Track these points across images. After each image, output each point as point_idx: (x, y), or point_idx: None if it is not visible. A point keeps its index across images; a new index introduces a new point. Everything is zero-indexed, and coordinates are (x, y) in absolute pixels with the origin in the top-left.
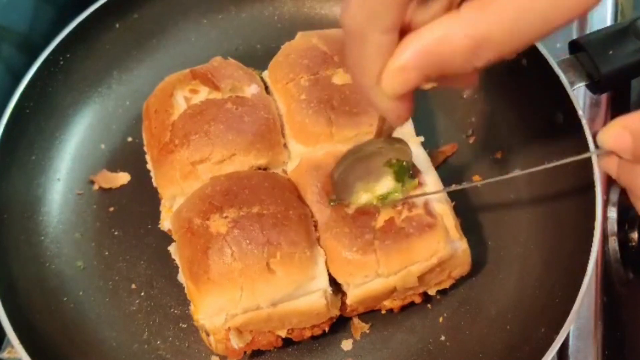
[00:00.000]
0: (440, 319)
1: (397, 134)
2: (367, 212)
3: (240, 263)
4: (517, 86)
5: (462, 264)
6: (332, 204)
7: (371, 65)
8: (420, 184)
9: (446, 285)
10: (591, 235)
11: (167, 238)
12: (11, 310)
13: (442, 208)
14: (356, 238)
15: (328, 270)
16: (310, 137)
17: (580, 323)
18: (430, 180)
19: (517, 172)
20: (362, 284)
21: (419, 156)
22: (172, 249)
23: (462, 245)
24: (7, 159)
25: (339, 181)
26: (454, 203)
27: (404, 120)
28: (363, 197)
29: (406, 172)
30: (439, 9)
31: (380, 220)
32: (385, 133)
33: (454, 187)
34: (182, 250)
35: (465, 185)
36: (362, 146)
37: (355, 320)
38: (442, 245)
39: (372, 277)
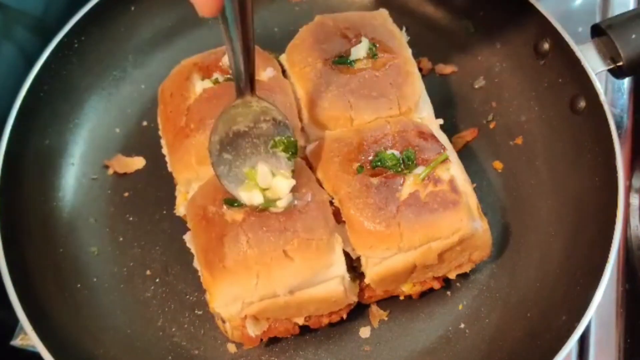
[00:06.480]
0: (460, 307)
1: (416, 118)
2: (392, 183)
3: (256, 250)
4: (539, 71)
5: (483, 246)
6: (359, 172)
7: None
8: (447, 161)
9: (467, 269)
10: (613, 222)
11: (182, 224)
12: (24, 296)
13: (465, 187)
14: (380, 210)
15: (345, 253)
16: (329, 121)
17: (601, 311)
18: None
19: None
20: (383, 258)
21: (440, 139)
22: (187, 237)
23: (483, 226)
24: (21, 143)
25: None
26: (474, 185)
27: (211, 8)
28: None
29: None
30: None
31: (404, 192)
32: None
33: None
34: (197, 238)
35: None
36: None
37: (374, 308)
38: (465, 223)
39: (393, 250)
